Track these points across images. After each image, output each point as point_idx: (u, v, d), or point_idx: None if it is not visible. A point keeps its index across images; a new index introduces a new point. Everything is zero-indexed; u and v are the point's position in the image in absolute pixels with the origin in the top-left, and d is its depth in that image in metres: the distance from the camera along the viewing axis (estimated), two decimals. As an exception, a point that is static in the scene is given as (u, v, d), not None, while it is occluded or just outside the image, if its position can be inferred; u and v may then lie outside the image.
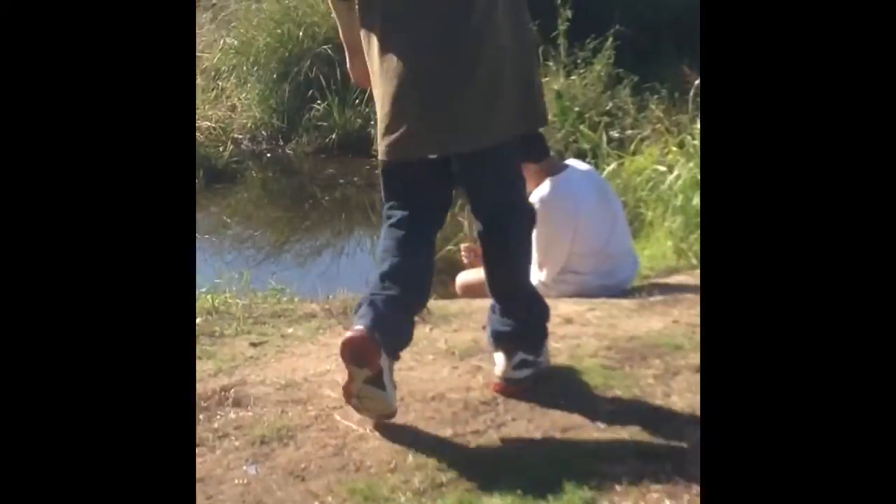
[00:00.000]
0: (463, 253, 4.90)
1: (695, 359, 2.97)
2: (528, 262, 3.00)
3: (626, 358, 3.02)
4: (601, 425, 2.63)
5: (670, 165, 6.07)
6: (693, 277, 5.10)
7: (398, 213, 2.80)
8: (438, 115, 2.67)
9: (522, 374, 2.85)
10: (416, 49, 2.66)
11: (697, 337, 3.15)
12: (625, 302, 4.01)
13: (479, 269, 5.09)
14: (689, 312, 3.52)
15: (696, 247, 5.39)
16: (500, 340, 2.88)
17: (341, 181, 8.82)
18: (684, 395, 2.77)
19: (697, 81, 6.61)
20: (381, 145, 2.73)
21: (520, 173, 2.95)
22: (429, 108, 2.67)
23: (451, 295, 5.76)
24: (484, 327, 3.46)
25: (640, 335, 3.21)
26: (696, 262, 5.27)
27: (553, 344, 3.17)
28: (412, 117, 2.67)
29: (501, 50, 2.69)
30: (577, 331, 3.33)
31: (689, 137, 6.21)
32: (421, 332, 3.43)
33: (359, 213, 8.66)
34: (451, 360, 3.10)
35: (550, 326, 3.26)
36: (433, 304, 4.06)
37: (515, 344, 2.86)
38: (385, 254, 2.79)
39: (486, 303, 4.23)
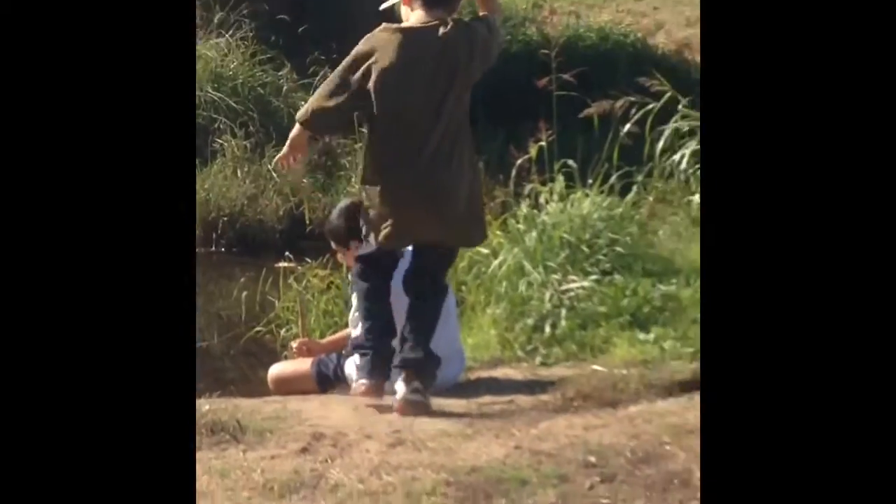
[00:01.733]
0: (295, 349, 4.64)
1: (543, 496, 2.68)
2: (435, 325, 3.86)
3: (469, 497, 2.70)
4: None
5: (494, 249, 5.85)
6: (520, 371, 4.87)
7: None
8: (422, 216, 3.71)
9: (417, 398, 3.63)
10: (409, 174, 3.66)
11: (543, 468, 2.89)
12: (459, 409, 3.72)
13: (298, 360, 4.78)
14: (529, 433, 3.24)
15: (522, 337, 5.17)
16: (407, 366, 3.70)
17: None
18: (535, 545, 2.47)
19: (520, 161, 6.47)
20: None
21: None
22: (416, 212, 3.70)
23: (259, 381, 5.37)
24: (303, 449, 3.14)
25: (481, 465, 2.90)
26: (521, 353, 5.05)
27: (385, 476, 2.84)
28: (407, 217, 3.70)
29: (461, 177, 3.72)
30: (412, 458, 2.99)
31: (512, 221, 6.01)
32: (233, 456, 3.06)
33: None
34: (270, 499, 2.72)
35: (379, 445, 3.15)
36: (245, 407, 3.68)
37: (416, 371, 3.68)
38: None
39: (304, 404, 3.90)
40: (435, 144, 3.64)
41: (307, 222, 8.52)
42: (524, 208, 5.98)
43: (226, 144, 8.77)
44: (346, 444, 3.19)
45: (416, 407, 3.61)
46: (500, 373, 4.89)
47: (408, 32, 3.61)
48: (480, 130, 9.16)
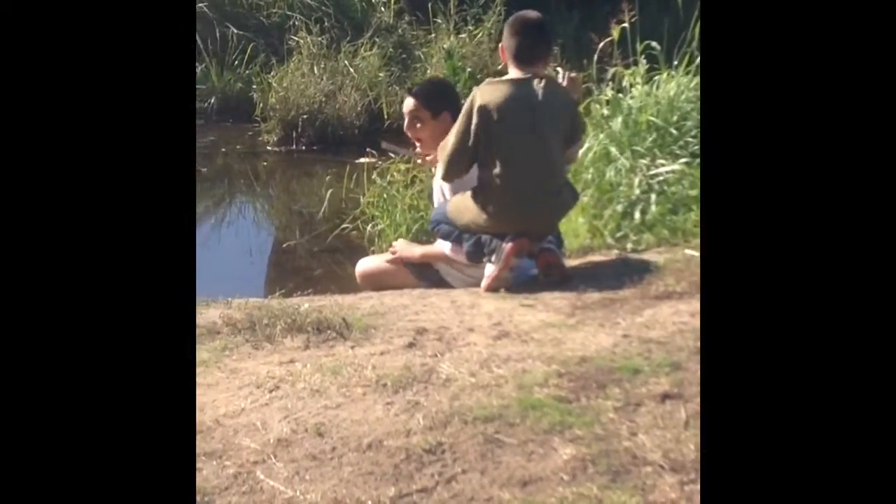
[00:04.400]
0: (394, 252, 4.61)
1: (656, 385, 2.67)
2: None
3: (582, 387, 2.70)
4: (565, 477, 2.32)
5: (580, 137, 5.77)
6: (610, 258, 4.83)
7: None
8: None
9: (553, 247, 4.23)
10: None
11: (654, 356, 2.87)
12: (556, 301, 3.70)
13: (383, 255, 4.82)
14: (635, 321, 3.22)
15: (611, 225, 5.12)
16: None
17: (223, 149, 8.33)
18: (651, 433, 2.46)
19: (601, 45, 6.34)
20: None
21: None
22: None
23: (348, 276, 5.41)
24: (410, 344, 3.16)
25: (591, 356, 2.89)
26: (611, 241, 5.00)
27: (496, 369, 2.85)
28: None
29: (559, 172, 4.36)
30: (520, 350, 3.00)
31: (596, 106, 5.91)
32: (343, 354, 3.07)
33: (241, 181, 8.21)
34: (384, 395, 2.73)
35: (484, 339, 3.20)
36: (344, 304, 3.71)
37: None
38: None
39: (400, 299, 3.92)
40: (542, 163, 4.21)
41: (385, 117, 8.48)
42: (608, 92, 5.87)
43: (301, 42, 8.70)
44: (450, 338, 3.19)
45: (554, 254, 4.14)
46: (590, 260, 4.85)
47: (510, 83, 4.18)
48: (553, 13, 8.99)
